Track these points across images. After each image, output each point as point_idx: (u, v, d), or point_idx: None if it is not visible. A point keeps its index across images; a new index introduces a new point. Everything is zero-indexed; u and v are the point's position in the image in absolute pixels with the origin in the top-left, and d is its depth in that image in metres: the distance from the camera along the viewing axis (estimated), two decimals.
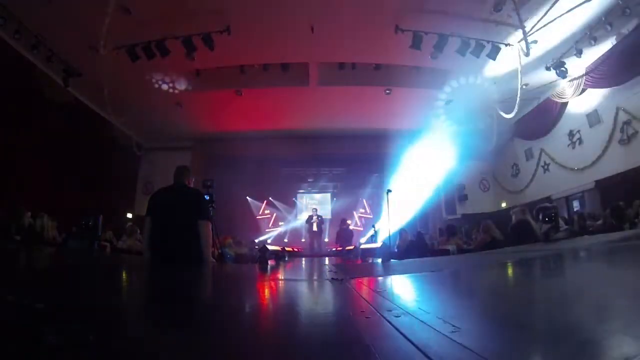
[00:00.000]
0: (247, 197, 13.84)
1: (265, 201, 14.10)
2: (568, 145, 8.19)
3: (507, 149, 10.54)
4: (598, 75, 6.88)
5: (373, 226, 10.58)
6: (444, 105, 9.27)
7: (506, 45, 6.58)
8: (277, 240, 12.99)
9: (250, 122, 9.90)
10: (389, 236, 5.47)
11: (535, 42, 6.48)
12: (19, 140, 6.80)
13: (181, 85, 8.15)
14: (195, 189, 3.15)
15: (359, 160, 12.29)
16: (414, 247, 5.93)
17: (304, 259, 7.51)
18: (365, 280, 2.11)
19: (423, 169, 10.41)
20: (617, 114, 6.83)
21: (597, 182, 7.26)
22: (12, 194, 6.48)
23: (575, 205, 8.14)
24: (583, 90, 7.49)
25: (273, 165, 12.37)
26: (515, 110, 7.80)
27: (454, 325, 0.77)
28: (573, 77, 7.41)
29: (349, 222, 10.93)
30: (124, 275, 2.31)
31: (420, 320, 0.86)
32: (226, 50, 6.71)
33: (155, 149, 10.95)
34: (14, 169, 6.66)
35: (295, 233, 13.71)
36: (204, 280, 2.24)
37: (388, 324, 0.85)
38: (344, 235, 10.27)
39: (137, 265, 3.04)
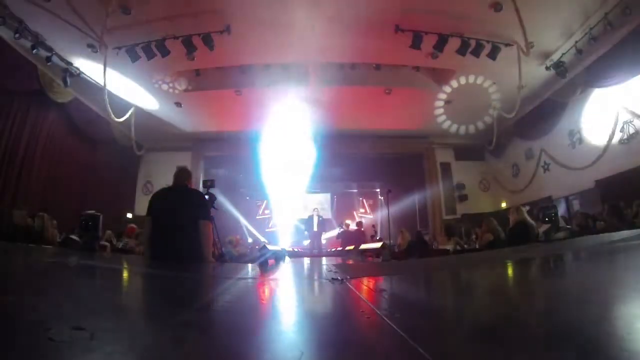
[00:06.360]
0: (247, 197, 13.84)
1: (265, 201, 14.08)
2: (568, 145, 8.19)
3: (507, 149, 10.53)
4: (598, 75, 6.87)
5: (373, 226, 10.57)
6: (443, 106, 9.28)
7: (506, 45, 6.58)
8: None
9: (250, 122, 9.90)
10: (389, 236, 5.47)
11: (534, 43, 6.48)
12: (19, 140, 6.80)
13: (181, 85, 8.15)
14: (195, 190, 3.16)
15: (359, 160, 12.29)
16: (414, 246, 5.94)
17: (304, 258, 7.50)
18: (365, 280, 2.11)
19: None
20: (617, 113, 6.83)
21: (597, 182, 7.25)
22: (11, 194, 6.49)
23: (575, 205, 8.13)
24: (583, 90, 7.49)
25: None
26: (516, 110, 7.80)
27: (452, 325, 0.77)
28: (573, 76, 7.41)
29: (349, 222, 10.95)
30: (124, 275, 2.31)
31: (421, 320, 0.86)
32: (226, 50, 6.72)
33: (155, 149, 10.95)
34: (14, 168, 6.66)
35: None
36: (203, 280, 2.23)
37: (388, 324, 0.85)
38: (344, 235, 10.28)
39: (137, 265, 3.04)
